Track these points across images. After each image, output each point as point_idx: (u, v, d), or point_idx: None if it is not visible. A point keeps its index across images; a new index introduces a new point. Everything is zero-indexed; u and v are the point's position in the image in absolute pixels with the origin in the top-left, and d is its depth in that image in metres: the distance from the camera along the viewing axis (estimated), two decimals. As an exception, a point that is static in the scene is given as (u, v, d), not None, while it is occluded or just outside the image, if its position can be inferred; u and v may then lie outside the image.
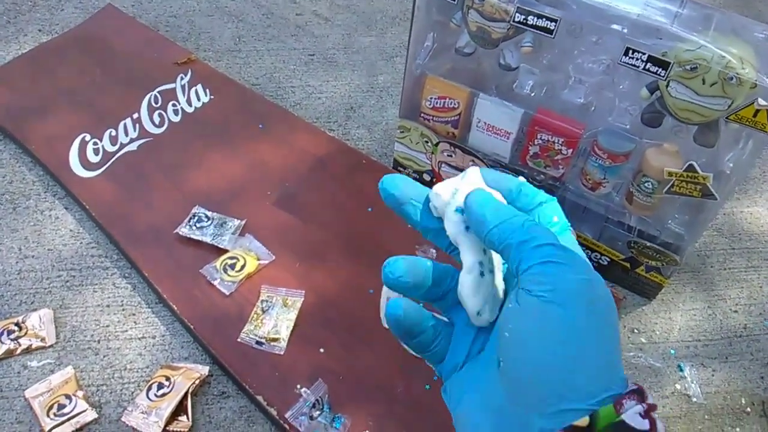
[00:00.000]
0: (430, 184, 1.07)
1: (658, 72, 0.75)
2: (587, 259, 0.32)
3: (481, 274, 0.33)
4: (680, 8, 0.77)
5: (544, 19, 0.79)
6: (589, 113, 0.89)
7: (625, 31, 0.77)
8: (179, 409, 0.80)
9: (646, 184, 0.86)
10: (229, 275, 0.91)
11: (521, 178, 0.35)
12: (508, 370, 0.30)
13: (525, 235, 0.30)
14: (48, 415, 0.79)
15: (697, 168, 0.80)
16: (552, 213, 0.34)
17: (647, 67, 0.75)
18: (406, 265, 0.34)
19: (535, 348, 0.29)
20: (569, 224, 0.34)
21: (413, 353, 0.35)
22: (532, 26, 0.80)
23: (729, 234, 1.09)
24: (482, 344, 0.34)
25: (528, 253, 0.30)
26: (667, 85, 0.76)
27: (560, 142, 0.89)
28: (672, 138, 0.83)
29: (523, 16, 0.80)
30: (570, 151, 0.90)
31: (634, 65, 0.76)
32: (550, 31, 0.79)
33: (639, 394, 0.29)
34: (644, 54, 0.74)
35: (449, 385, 0.34)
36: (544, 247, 0.30)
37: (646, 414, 0.28)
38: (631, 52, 0.75)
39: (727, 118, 0.75)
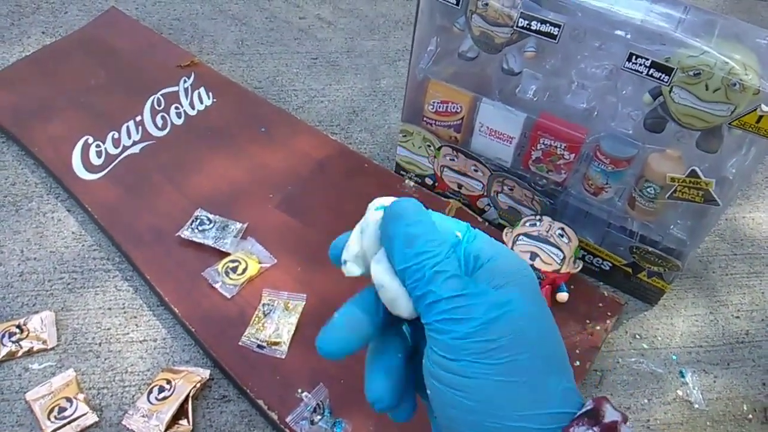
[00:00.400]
0: (432, 188, 1.07)
1: (661, 78, 0.75)
2: (510, 264, 0.31)
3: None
4: (683, 14, 0.77)
5: (547, 25, 0.79)
6: (592, 118, 0.89)
7: (629, 36, 0.77)
8: (180, 413, 0.80)
9: (648, 190, 0.86)
10: (230, 278, 0.91)
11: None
12: (440, 423, 0.31)
13: (423, 288, 0.30)
14: (49, 418, 0.79)
15: (700, 173, 0.80)
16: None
17: (650, 72, 0.75)
18: (338, 342, 0.33)
19: (452, 408, 0.29)
20: (467, 225, 0.33)
21: None
22: (535, 31, 0.80)
23: (731, 240, 1.09)
24: None
25: (424, 309, 0.30)
26: (670, 91, 0.76)
27: (563, 147, 0.89)
28: (675, 143, 0.83)
29: (526, 22, 0.80)
30: (572, 156, 0.89)
31: (638, 71, 0.76)
32: (553, 37, 0.79)
33: (592, 416, 0.27)
34: (647, 60, 0.74)
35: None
36: (439, 303, 0.29)
37: None
38: (634, 57, 0.75)
39: (730, 124, 0.75)
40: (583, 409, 0.28)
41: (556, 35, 0.79)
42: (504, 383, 0.28)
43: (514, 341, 0.28)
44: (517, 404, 0.28)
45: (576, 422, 0.27)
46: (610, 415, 0.27)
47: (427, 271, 0.29)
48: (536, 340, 0.29)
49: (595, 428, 0.27)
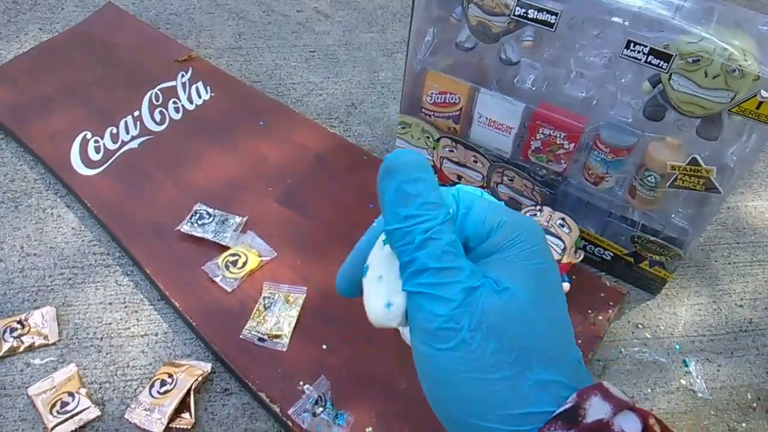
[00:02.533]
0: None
1: (660, 65, 0.74)
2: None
3: (379, 278, 0.30)
4: (682, 1, 0.76)
5: (544, 13, 0.78)
6: (591, 107, 0.89)
7: (627, 23, 0.76)
8: (182, 406, 0.80)
9: (649, 178, 0.85)
10: (231, 272, 0.91)
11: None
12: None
13: (410, 255, 0.27)
14: (51, 413, 0.79)
15: (701, 161, 0.80)
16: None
17: (649, 59, 0.75)
18: (350, 286, 0.31)
19: (425, 385, 0.28)
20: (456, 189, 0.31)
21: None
22: (532, 20, 0.80)
23: (733, 228, 1.08)
24: None
25: (407, 277, 0.28)
26: (669, 78, 0.76)
27: (562, 137, 0.89)
28: (675, 131, 0.82)
29: (523, 10, 0.79)
30: (572, 145, 0.89)
31: (636, 58, 0.75)
32: (550, 25, 0.79)
33: (569, 417, 0.25)
34: (646, 47, 0.74)
35: None
36: (423, 273, 0.27)
37: None
38: (632, 44, 0.75)
39: (730, 110, 0.74)
40: (560, 409, 0.25)
41: (554, 23, 0.79)
42: (475, 380, 0.26)
43: (491, 332, 0.26)
44: (487, 403, 0.26)
45: (548, 426, 0.25)
46: (594, 412, 0.25)
47: (417, 236, 0.27)
48: (520, 330, 0.27)
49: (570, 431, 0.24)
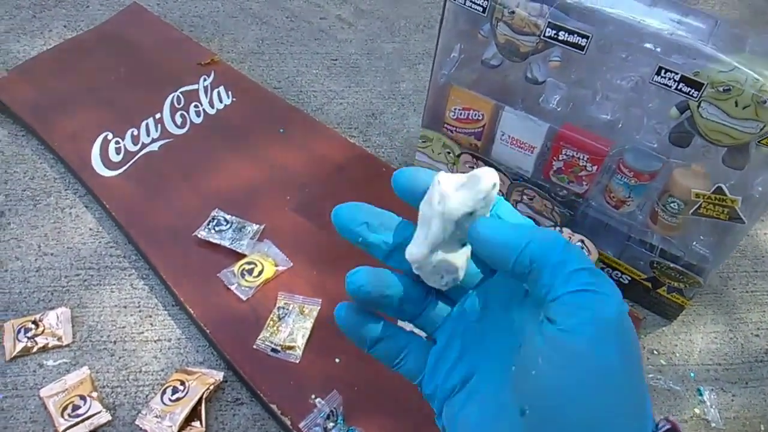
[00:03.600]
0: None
1: (691, 93, 0.74)
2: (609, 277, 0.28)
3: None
4: (714, 28, 0.76)
5: (575, 35, 0.78)
6: (616, 130, 0.88)
7: (658, 49, 0.76)
8: (193, 415, 0.80)
9: (672, 205, 0.85)
10: (246, 280, 0.91)
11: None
12: (537, 418, 0.26)
13: (561, 255, 0.26)
14: (62, 416, 0.79)
15: (726, 191, 0.79)
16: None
17: (679, 87, 0.74)
18: (369, 276, 0.31)
19: (569, 395, 0.25)
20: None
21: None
22: (562, 42, 0.79)
23: (752, 256, 1.07)
24: (469, 365, 0.30)
25: (563, 277, 0.25)
26: (698, 106, 0.75)
27: (585, 159, 0.88)
28: (700, 159, 0.82)
29: (553, 31, 0.79)
30: (595, 167, 0.88)
31: (666, 85, 0.74)
32: (581, 48, 0.78)
33: None
34: (677, 74, 0.73)
35: (445, 417, 0.31)
36: (581, 272, 0.25)
37: None
38: (663, 71, 0.74)
39: (758, 141, 0.73)
40: (664, 427, 0.26)
41: (584, 46, 0.78)
42: (635, 378, 0.25)
43: (632, 332, 0.26)
44: (642, 405, 0.25)
45: None
46: None
47: (560, 241, 0.26)
48: (638, 343, 0.26)
49: None
